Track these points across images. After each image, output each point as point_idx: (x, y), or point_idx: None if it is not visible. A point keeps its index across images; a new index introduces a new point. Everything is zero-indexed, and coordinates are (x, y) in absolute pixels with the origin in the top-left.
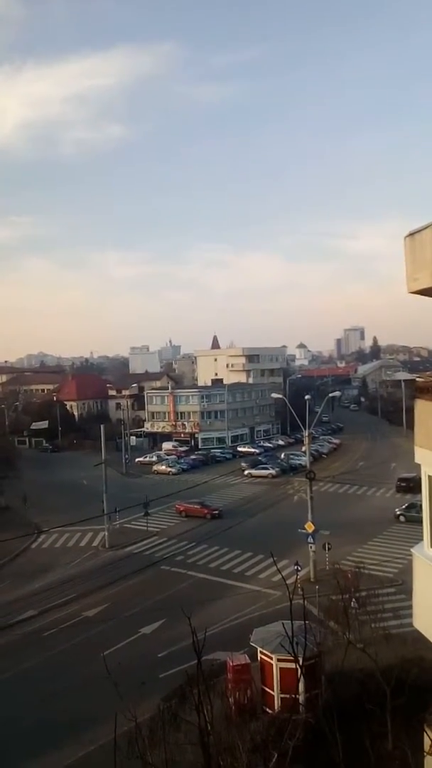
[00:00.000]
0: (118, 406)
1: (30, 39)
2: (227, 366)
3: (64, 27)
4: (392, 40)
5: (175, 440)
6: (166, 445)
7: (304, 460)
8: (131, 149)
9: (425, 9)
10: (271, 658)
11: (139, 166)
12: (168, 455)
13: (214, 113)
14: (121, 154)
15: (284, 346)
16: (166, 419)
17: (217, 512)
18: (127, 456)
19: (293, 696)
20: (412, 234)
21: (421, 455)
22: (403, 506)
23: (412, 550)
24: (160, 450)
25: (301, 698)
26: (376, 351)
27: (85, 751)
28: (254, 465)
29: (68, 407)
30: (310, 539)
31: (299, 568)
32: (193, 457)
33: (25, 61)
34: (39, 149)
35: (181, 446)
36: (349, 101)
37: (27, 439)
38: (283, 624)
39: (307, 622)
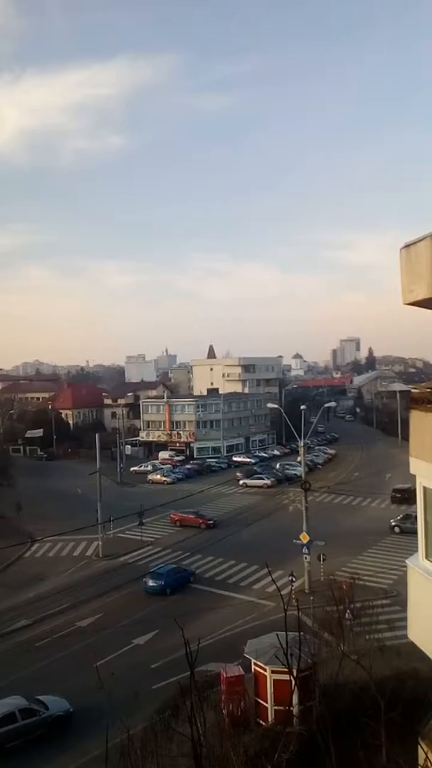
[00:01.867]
0: (114, 414)
1: (30, 48)
2: (223, 375)
3: (64, 36)
4: (392, 49)
5: (171, 449)
6: (162, 455)
7: (300, 471)
8: (130, 158)
9: (424, 19)
10: (265, 670)
11: (138, 174)
12: (163, 464)
13: (212, 123)
14: (120, 163)
15: (280, 356)
16: (162, 428)
17: (211, 522)
18: (122, 465)
19: (287, 708)
20: (407, 246)
21: (416, 466)
22: (398, 517)
23: (406, 561)
24: (156, 459)
25: (294, 710)
26: (371, 362)
27: (77, 763)
28: (249, 475)
29: (63, 416)
30: (304, 550)
31: (294, 579)
32: (188, 466)
33: (24, 69)
34: (38, 158)
35: (177, 455)
36: (347, 111)
37: (21, 448)
38: (277, 635)
39: (301, 633)
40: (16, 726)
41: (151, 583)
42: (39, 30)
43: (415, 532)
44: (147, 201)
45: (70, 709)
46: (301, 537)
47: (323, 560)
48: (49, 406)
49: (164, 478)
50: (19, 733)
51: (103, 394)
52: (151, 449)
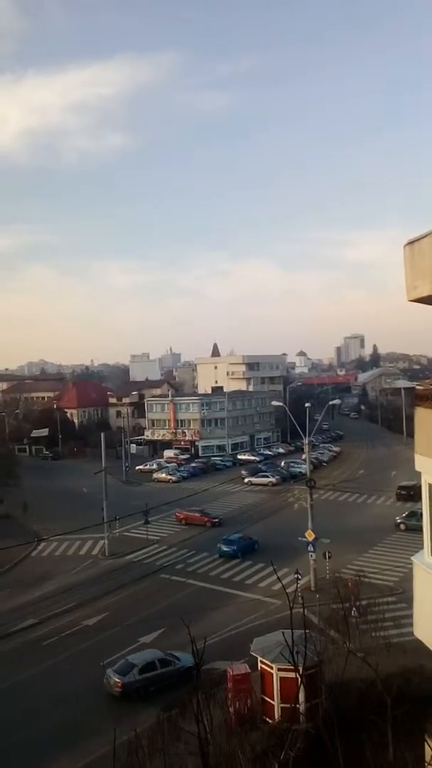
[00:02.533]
0: (119, 413)
1: (31, 48)
2: (227, 374)
3: (65, 36)
4: (393, 45)
5: (176, 448)
6: (167, 453)
7: (304, 468)
8: (132, 157)
9: (424, 17)
10: (272, 668)
11: (140, 173)
12: (168, 463)
13: (214, 121)
14: (122, 162)
15: (284, 354)
16: (167, 427)
17: (217, 520)
18: (127, 464)
19: (293, 705)
20: (411, 242)
21: (421, 463)
22: (404, 514)
23: (412, 558)
24: (161, 458)
25: (301, 708)
26: (376, 359)
27: (84, 761)
28: (254, 473)
29: (68, 415)
30: (310, 548)
31: (299, 577)
32: (193, 464)
33: (26, 69)
34: (40, 157)
35: (182, 454)
36: (348, 108)
37: (27, 447)
38: (283, 633)
39: (307, 631)
40: (156, 673)
41: (224, 548)
42: (40, 30)
43: (420, 530)
44: (148, 199)
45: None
46: (306, 535)
47: (329, 558)
48: (54, 406)
49: (169, 477)
50: (159, 680)
51: (108, 393)
52: (156, 448)
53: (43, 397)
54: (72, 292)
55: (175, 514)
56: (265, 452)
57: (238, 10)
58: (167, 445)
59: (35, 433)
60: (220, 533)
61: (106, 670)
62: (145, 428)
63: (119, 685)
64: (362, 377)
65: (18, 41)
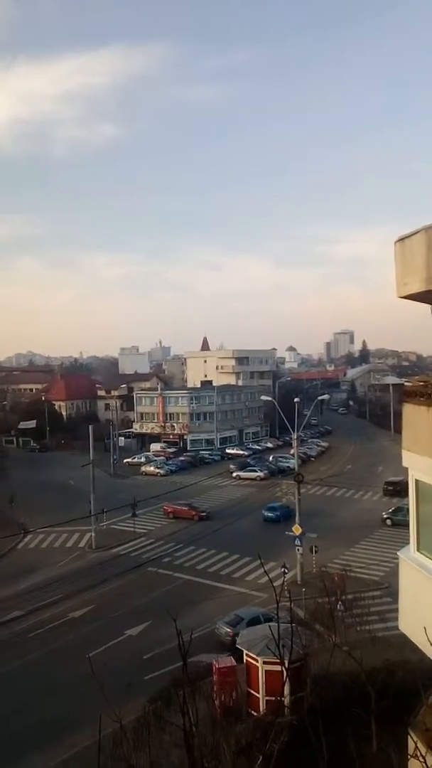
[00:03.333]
0: (107, 406)
1: (21, 35)
2: (217, 368)
3: (56, 24)
4: (389, 42)
5: (164, 441)
6: (154, 446)
7: (293, 463)
8: (123, 148)
9: (424, 13)
10: (257, 661)
11: (131, 165)
12: (156, 456)
13: (207, 114)
14: (113, 154)
15: (274, 349)
16: (155, 420)
17: (204, 514)
18: (115, 457)
19: (278, 698)
20: (402, 239)
21: (408, 459)
22: (390, 510)
23: (398, 553)
24: (149, 451)
25: (286, 701)
26: (365, 355)
27: (69, 753)
28: (243, 467)
29: (57, 407)
30: (297, 542)
31: (286, 571)
32: (181, 458)
33: (16, 57)
34: (30, 147)
35: (169, 447)
36: (342, 105)
37: (14, 439)
38: (269, 626)
39: (293, 624)
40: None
41: (268, 514)
42: (30, 17)
43: (406, 525)
44: (140, 192)
45: None
46: (293, 529)
47: (315, 552)
48: (43, 398)
49: (157, 470)
50: None
51: (97, 385)
52: (144, 441)
53: (31, 389)
54: (61, 283)
55: (163, 508)
56: (253, 447)
57: (234, 2)
58: (156, 438)
59: (23, 425)
60: (208, 527)
61: (216, 623)
62: (133, 421)
63: (231, 635)
64: (351, 373)
65: (8, 28)
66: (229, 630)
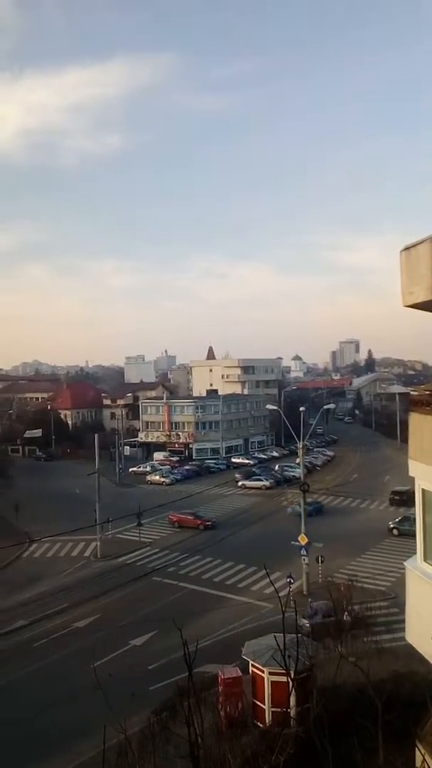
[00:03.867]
0: (113, 415)
1: (29, 47)
2: (222, 377)
3: (63, 35)
4: (393, 49)
5: (169, 450)
6: (158, 455)
7: (298, 472)
8: (129, 158)
9: (424, 20)
10: (263, 672)
11: (137, 174)
12: (162, 465)
13: (211, 123)
14: (119, 163)
15: (279, 358)
16: (161, 429)
17: (210, 523)
18: (120, 466)
19: (284, 710)
20: (407, 248)
21: (414, 468)
22: (397, 519)
23: (405, 563)
24: (153, 460)
25: (292, 712)
26: (371, 364)
27: (74, 764)
28: (248, 476)
29: (62, 416)
30: (303, 552)
31: (292, 581)
32: (187, 467)
33: (23, 69)
34: (38, 156)
35: (172, 456)
36: (346, 111)
37: (20, 448)
38: (275, 637)
39: (299, 635)
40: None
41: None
42: (37, 29)
43: (413, 535)
44: (146, 201)
45: None
46: (299, 539)
47: (321, 562)
48: (48, 407)
49: (163, 479)
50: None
51: (103, 394)
52: (150, 450)
53: (37, 398)
54: (67, 292)
55: (168, 517)
56: (259, 456)
57: (237, 13)
58: (161, 447)
59: (28, 434)
60: (213, 536)
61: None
62: (139, 430)
63: (308, 624)
64: (357, 382)
65: (16, 40)
66: (306, 621)
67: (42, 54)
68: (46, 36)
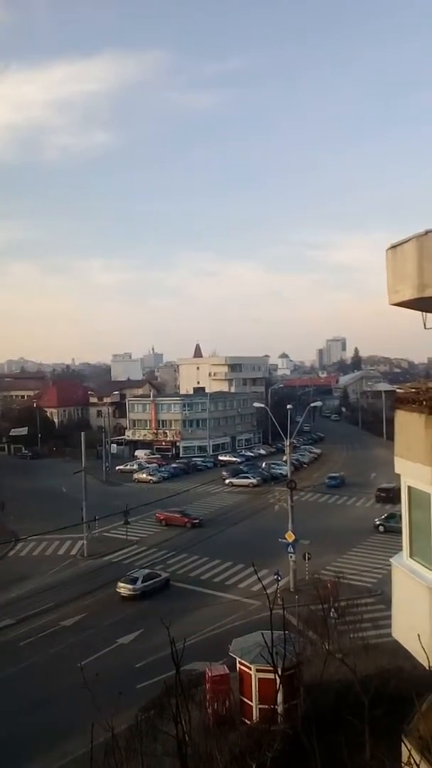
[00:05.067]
0: (99, 413)
1: (14, 42)
2: (209, 375)
3: (49, 31)
4: (385, 48)
5: (154, 449)
6: (139, 453)
7: (285, 470)
8: (117, 155)
9: (421, 19)
10: (250, 669)
11: (125, 172)
12: (149, 463)
13: (200, 121)
14: (108, 160)
15: (266, 356)
16: (148, 427)
17: (197, 521)
18: (107, 464)
19: (272, 707)
20: (393, 246)
21: (400, 466)
22: (383, 516)
23: (391, 560)
24: (135, 458)
25: (279, 709)
26: (357, 362)
27: (61, 762)
28: (235, 474)
29: (48, 414)
30: (290, 549)
31: (279, 578)
32: (174, 465)
33: (8, 64)
34: (23, 153)
35: (153, 454)
36: (338, 111)
37: (6, 446)
38: (262, 634)
39: (286, 632)
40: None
41: (331, 482)
42: (23, 24)
43: (399, 531)
44: (133, 198)
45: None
46: (286, 536)
47: (308, 559)
48: (34, 404)
49: (150, 477)
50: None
51: (89, 392)
52: (137, 448)
53: (22, 396)
54: (54, 290)
55: (155, 515)
56: (246, 453)
57: (227, 9)
58: (148, 445)
59: (14, 432)
60: (201, 534)
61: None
62: (126, 428)
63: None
64: (343, 380)
65: (1, 33)
66: (129, 586)
67: (28, 49)
68: (31, 31)
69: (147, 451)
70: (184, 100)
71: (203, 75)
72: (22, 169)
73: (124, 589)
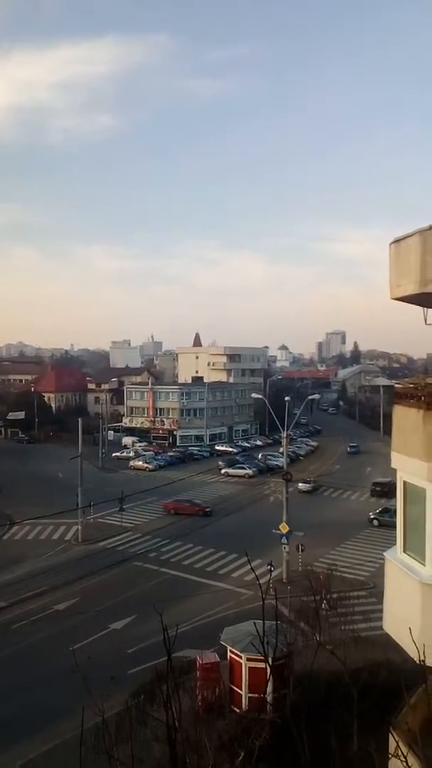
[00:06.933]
0: (97, 399)
1: (18, 22)
2: (208, 364)
3: (54, 11)
4: (393, 40)
5: (153, 436)
6: (125, 440)
7: (281, 461)
8: (121, 140)
9: (426, 12)
10: (241, 658)
11: (128, 158)
12: (146, 451)
13: (206, 108)
14: (111, 145)
15: (266, 347)
16: (145, 415)
17: (209, 510)
18: (104, 450)
19: (261, 696)
20: (397, 241)
21: (397, 460)
22: (378, 510)
23: (384, 554)
24: (123, 445)
25: (269, 698)
26: (356, 356)
27: (51, 744)
28: (231, 464)
29: (46, 399)
30: (283, 540)
31: (272, 569)
32: (170, 454)
33: (13, 44)
34: (26, 135)
35: (140, 441)
36: (342, 103)
37: (2, 430)
38: (254, 623)
39: (278, 622)
40: None
41: (351, 450)
42: (29, 4)
43: (393, 526)
44: (137, 184)
45: None
46: (280, 527)
47: (302, 551)
48: (32, 389)
49: (146, 465)
50: None
51: (87, 378)
52: (133, 435)
53: (20, 380)
54: (54, 274)
55: (163, 505)
56: (243, 444)
57: None
58: (145, 432)
59: (11, 416)
60: (195, 523)
61: None
62: (123, 415)
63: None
64: (342, 373)
65: (6, 15)
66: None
67: (32, 29)
68: (36, 10)
69: (135, 438)
70: (190, 86)
71: (209, 61)
72: (25, 151)
73: None
